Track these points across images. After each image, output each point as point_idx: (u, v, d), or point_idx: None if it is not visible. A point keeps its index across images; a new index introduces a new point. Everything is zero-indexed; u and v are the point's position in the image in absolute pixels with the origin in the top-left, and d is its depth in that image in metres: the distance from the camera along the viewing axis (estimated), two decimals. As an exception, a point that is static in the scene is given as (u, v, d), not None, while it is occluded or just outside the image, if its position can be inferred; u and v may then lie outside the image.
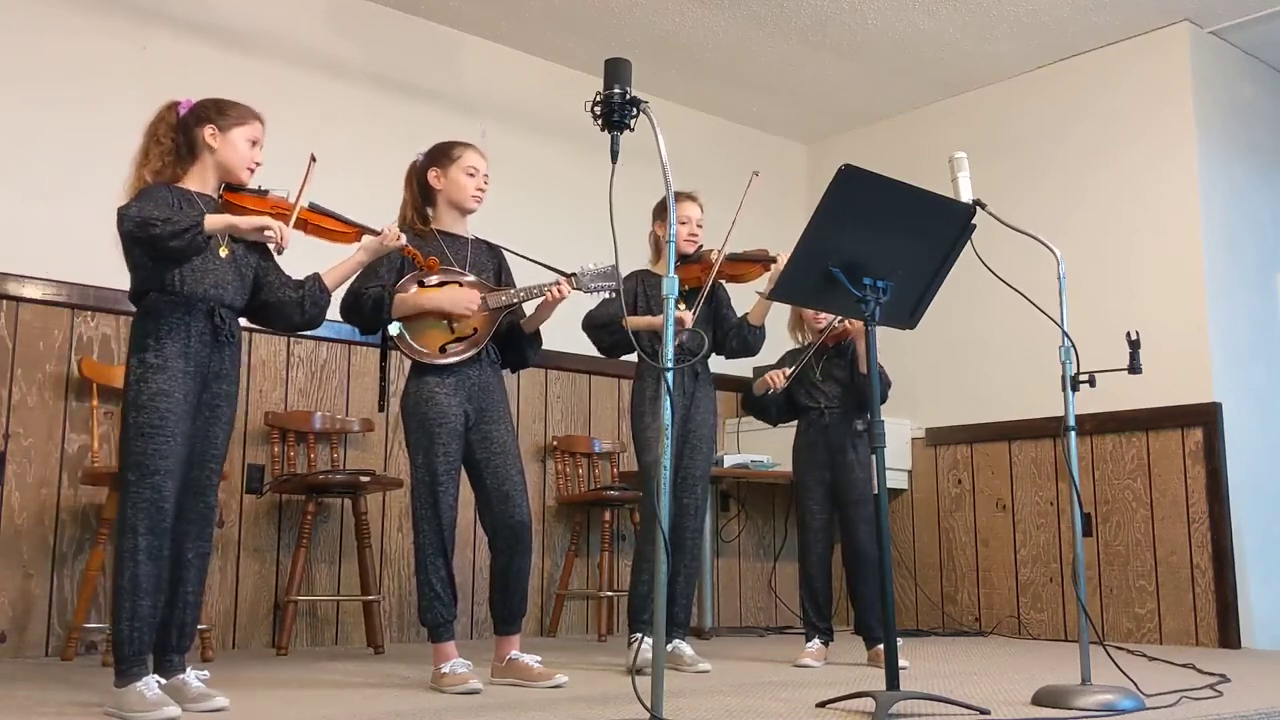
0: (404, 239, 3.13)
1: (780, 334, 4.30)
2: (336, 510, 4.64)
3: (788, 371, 4.11)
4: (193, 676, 2.74)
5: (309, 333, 4.62)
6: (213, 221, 2.68)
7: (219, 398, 2.81)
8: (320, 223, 2.99)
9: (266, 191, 2.94)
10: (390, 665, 3.81)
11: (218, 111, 2.86)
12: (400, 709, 2.74)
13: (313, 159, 2.94)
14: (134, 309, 2.80)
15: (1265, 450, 5.20)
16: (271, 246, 2.83)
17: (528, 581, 3.32)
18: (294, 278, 2.99)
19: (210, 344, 2.78)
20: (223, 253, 2.81)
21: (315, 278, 3.00)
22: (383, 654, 4.26)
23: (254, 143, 2.90)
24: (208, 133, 2.84)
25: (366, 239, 3.07)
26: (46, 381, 4.09)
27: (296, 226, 2.90)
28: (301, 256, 2.96)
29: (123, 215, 2.65)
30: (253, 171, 2.91)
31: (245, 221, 2.73)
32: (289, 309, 2.97)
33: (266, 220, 2.75)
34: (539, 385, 5.36)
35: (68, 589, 4.02)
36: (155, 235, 2.60)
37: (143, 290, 2.77)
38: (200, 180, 2.86)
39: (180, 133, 2.86)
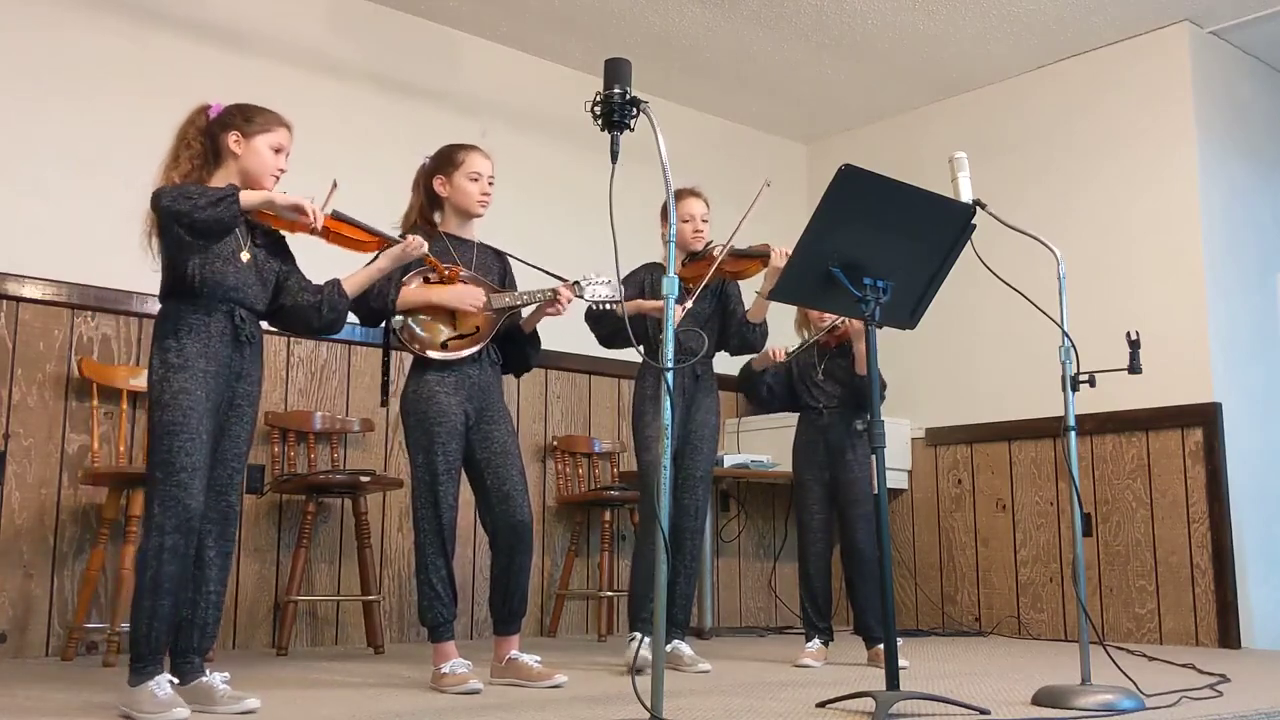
0: (425, 248, 3.13)
1: (785, 331, 4.30)
2: (336, 510, 4.64)
3: (790, 349, 4.11)
4: (218, 679, 2.72)
5: (309, 333, 4.65)
6: (249, 196, 2.71)
7: (241, 397, 2.82)
8: (343, 231, 3.00)
9: None
10: (390, 665, 3.81)
11: (244, 118, 2.87)
12: (400, 709, 2.74)
13: (335, 185, 2.95)
14: (152, 309, 2.81)
15: (1265, 450, 5.20)
16: (304, 231, 2.85)
17: (528, 581, 3.32)
18: (313, 283, 3.00)
19: (231, 344, 2.78)
20: (244, 256, 2.82)
21: (335, 283, 3.01)
22: (383, 654, 4.26)
23: (278, 150, 2.90)
24: (231, 139, 2.84)
25: (389, 248, 3.09)
26: (46, 381, 4.09)
27: (319, 235, 2.92)
28: (322, 262, 2.98)
29: (158, 193, 2.66)
30: (277, 179, 2.91)
31: (282, 198, 2.75)
32: (307, 313, 2.97)
33: (302, 201, 2.77)
34: (539, 385, 5.36)
35: (68, 589, 4.02)
36: (193, 205, 2.62)
37: (167, 291, 2.78)
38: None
39: (207, 138, 2.87)
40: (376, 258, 3.11)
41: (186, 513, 2.64)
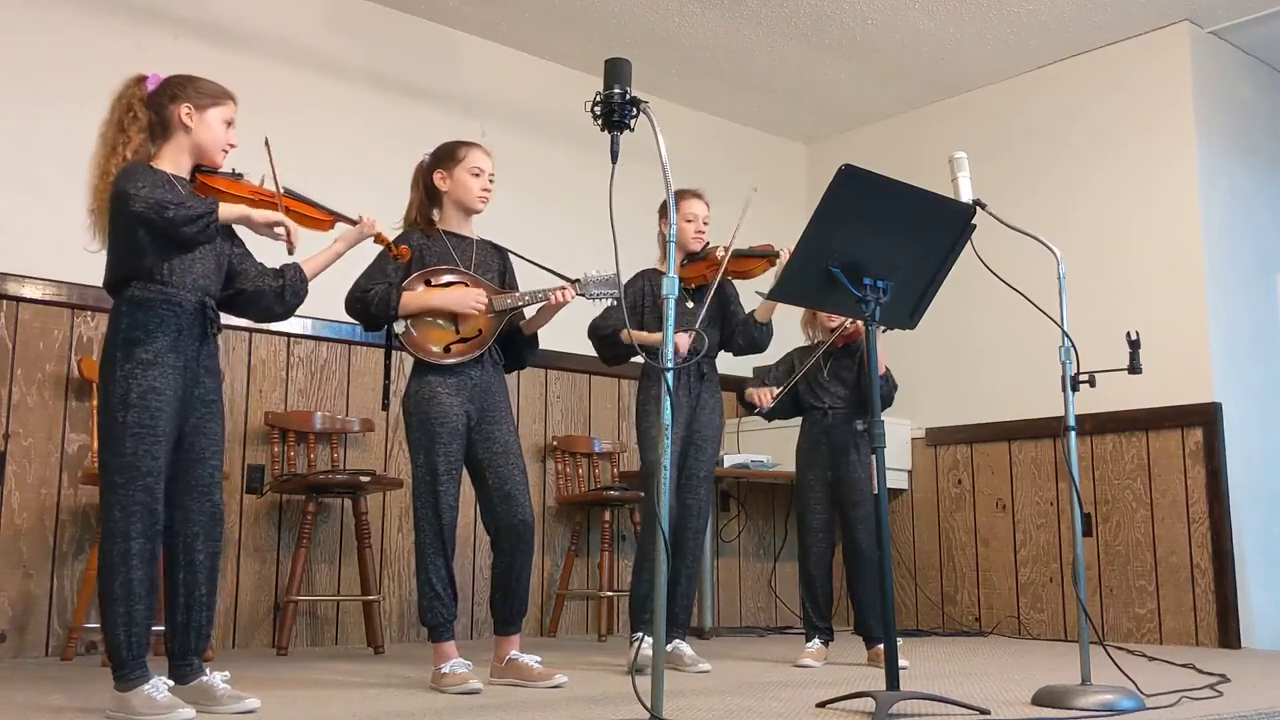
0: (378, 226, 3.07)
1: (789, 331, 4.30)
2: (336, 510, 4.64)
3: (775, 391, 4.10)
4: (218, 679, 2.69)
5: (309, 333, 4.64)
6: (227, 211, 2.61)
7: (211, 392, 2.74)
8: (298, 209, 2.89)
9: (240, 175, 2.84)
10: (390, 665, 3.81)
11: (195, 90, 2.73)
12: (400, 709, 2.74)
13: (267, 141, 2.81)
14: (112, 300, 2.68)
15: (1265, 450, 5.20)
16: (284, 244, 2.75)
17: (529, 581, 3.32)
18: (271, 267, 2.90)
19: (199, 337, 2.69)
20: None
21: (295, 267, 2.90)
22: (383, 654, 4.26)
23: (229, 124, 2.78)
24: (183, 111, 2.71)
25: (343, 228, 3.01)
26: (46, 381, 4.09)
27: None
28: (269, 242, 2.84)
29: (131, 194, 2.52)
30: (226, 154, 2.79)
31: (260, 215, 2.66)
32: (269, 299, 2.87)
33: (280, 216, 2.68)
34: (539, 385, 5.36)
35: (68, 589, 4.02)
36: (170, 219, 2.51)
37: (123, 279, 2.65)
38: (173, 161, 2.72)
39: (152, 110, 2.73)
40: (336, 242, 3.02)
41: (153, 518, 2.57)
